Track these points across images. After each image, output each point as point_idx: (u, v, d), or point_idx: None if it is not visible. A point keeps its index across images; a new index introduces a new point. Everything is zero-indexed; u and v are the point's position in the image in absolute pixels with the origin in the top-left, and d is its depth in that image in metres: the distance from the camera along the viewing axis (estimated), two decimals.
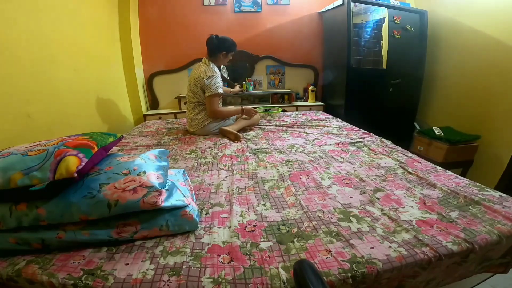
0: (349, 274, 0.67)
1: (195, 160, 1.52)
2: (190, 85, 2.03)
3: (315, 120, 2.44)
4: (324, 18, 3.09)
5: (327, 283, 0.63)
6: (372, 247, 0.75)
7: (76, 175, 0.73)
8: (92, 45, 2.19)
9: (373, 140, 1.77)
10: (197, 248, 0.77)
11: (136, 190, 0.78)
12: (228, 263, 0.71)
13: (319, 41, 3.19)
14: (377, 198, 1.03)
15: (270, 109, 2.68)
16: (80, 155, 0.78)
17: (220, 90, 1.96)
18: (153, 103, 3.07)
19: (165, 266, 0.70)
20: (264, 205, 1.01)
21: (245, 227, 0.87)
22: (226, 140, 1.91)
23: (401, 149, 1.58)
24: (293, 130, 2.12)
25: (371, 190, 1.10)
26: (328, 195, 1.07)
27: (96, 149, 0.86)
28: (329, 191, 1.10)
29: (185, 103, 2.93)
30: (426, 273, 0.74)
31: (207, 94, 1.93)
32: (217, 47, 1.95)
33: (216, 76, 1.95)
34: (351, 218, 0.91)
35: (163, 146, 1.80)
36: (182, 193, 0.89)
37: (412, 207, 0.96)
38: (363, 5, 2.58)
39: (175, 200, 0.83)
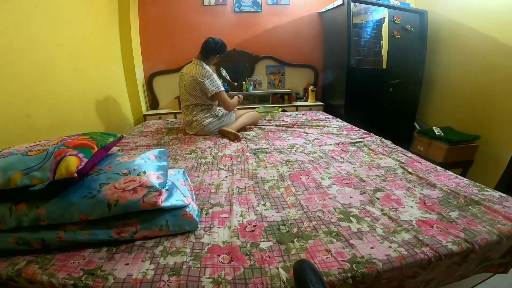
0: (349, 274, 0.67)
1: (195, 160, 1.52)
2: (186, 87, 2.02)
3: (315, 120, 2.44)
4: (324, 18, 3.09)
5: (327, 283, 0.63)
6: (372, 247, 0.75)
7: (76, 175, 0.73)
8: (92, 45, 2.19)
9: (373, 140, 1.77)
10: (197, 248, 0.77)
11: (136, 190, 0.78)
12: (228, 263, 0.71)
13: (319, 41, 3.19)
14: (377, 198, 1.03)
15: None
16: (80, 155, 0.78)
17: (222, 88, 2.04)
18: (153, 103, 3.07)
19: (165, 266, 0.70)
20: (264, 205, 1.01)
21: (245, 227, 0.87)
22: (226, 140, 1.91)
23: (401, 149, 1.58)
24: (293, 130, 2.12)
25: (371, 190, 1.10)
26: (328, 195, 1.07)
27: (96, 149, 0.86)
28: (329, 191, 1.10)
29: None
30: (426, 273, 0.74)
31: (214, 92, 1.98)
32: (213, 50, 2.02)
33: (214, 75, 2.02)
34: (351, 218, 0.91)
35: (163, 146, 1.80)
36: (182, 193, 0.89)
37: (412, 207, 0.96)
38: (363, 5, 2.58)
39: (175, 200, 0.83)
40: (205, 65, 2.03)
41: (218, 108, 2.17)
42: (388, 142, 1.70)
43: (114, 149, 1.38)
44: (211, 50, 2.02)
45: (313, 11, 3.10)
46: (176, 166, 1.41)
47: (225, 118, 2.12)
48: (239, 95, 2.30)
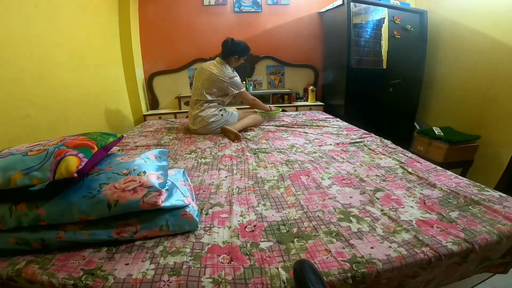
0: (349, 274, 0.66)
1: (195, 160, 1.52)
2: (203, 82, 2.04)
3: (315, 120, 2.44)
4: (324, 18, 3.09)
5: (327, 283, 0.63)
6: (372, 247, 0.75)
7: (76, 175, 0.73)
8: (92, 45, 2.19)
9: (373, 140, 1.77)
10: (197, 248, 0.77)
11: (136, 190, 0.78)
12: (228, 263, 0.71)
13: (319, 41, 3.19)
14: (377, 198, 1.03)
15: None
16: (80, 155, 0.78)
17: (243, 88, 2.17)
18: (153, 103, 3.07)
19: (165, 266, 0.70)
20: (264, 205, 1.01)
21: (245, 227, 0.87)
22: (226, 140, 1.91)
23: (401, 149, 1.58)
24: (293, 130, 2.12)
25: (371, 190, 1.10)
26: (328, 195, 1.07)
27: (96, 149, 0.86)
28: (329, 191, 1.10)
29: (185, 103, 2.94)
30: (426, 273, 0.74)
31: (236, 92, 2.10)
32: (231, 51, 2.04)
33: (237, 77, 2.10)
34: (351, 218, 0.91)
35: (163, 146, 1.80)
36: (182, 193, 0.89)
37: (412, 207, 0.96)
38: (363, 5, 2.58)
39: (175, 200, 0.83)
40: (228, 66, 2.06)
41: (225, 108, 2.19)
42: (388, 142, 1.70)
43: (114, 149, 1.38)
44: (229, 51, 2.04)
45: (313, 11, 3.10)
46: (176, 166, 1.41)
47: (229, 118, 2.13)
48: (271, 106, 2.49)
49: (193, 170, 1.37)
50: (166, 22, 2.95)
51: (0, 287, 0.69)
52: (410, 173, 1.25)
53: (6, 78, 1.35)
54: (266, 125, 2.31)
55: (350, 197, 1.05)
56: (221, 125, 2.07)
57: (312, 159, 1.47)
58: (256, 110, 2.61)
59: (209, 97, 2.05)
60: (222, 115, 2.10)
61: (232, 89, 2.06)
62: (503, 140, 2.10)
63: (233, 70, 2.13)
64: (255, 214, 0.94)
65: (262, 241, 0.80)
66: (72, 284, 0.64)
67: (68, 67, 1.86)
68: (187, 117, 2.38)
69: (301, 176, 1.25)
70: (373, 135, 1.88)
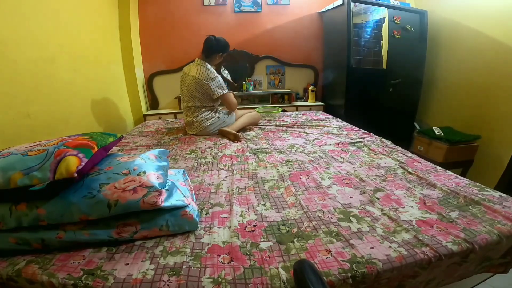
0: (349, 274, 0.67)
1: (195, 160, 1.52)
2: (188, 88, 1.99)
3: (315, 120, 2.44)
4: (324, 18, 3.09)
5: (327, 283, 0.63)
6: (372, 247, 0.75)
7: (76, 175, 0.73)
8: (92, 45, 2.19)
9: (373, 140, 1.77)
10: (197, 248, 0.77)
11: (136, 190, 0.78)
12: (228, 263, 0.71)
13: (319, 41, 3.19)
14: (377, 198, 1.03)
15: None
16: (80, 155, 0.78)
17: (226, 89, 2.05)
18: (153, 103, 3.07)
19: (165, 266, 0.70)
20: (264, 205, 1.01)
21: (245, 227, 0.87)
22: (226, 140, 1.90)
23: (401, 149, 1.58)
24: (293, 130, 2.12)
25: (371, 190, 1.10)
26: (328, 195, 1.07)
27: (96, 149, 0.86)
28: (329, 191, 1.10)
29: None
30: (426, 273, 0.74)
31: (219, 94, 1.98)
32: (215, 49, 1.98)
33: (218, 77, 2.00)
34: (351, 218, 0.91)
35: (163, 146, 1.80)
36: (182, 193, 0.89)
37: (412, 207, 0.96)
38: (363, 5, 2.58)
39: (175, 200, 0.83)
40: (209, 66, 1.99)
41: (220, 109, 2.16)
42: (388, 142, 1.70)
43: (114, 149, 1.38)
44: (214, 49, 1.97)
45: (313, 11, 3.10)
46: (176, 166, 1.41)
47: (226, 118, 2.12)
48: (231, 92, 2.34)
49: (193, 170, 1.37)
50: (166, 22, 2.95)
51: (0, 287, 0.69)
52: (410, 173, 1.25)
53: (6, 78, 1.35)
54: (266, 125, 2.31)
55: (350, 197, 1.05)
56: (219, 126, 2.05)
57: (312, 159, 1.47)
58: (256, 109, 2.61)
59: (197, 102, 1.99)
60: (218, 117, 2.07)
61: (216, 90, 1.95)
62: (503, 140, 2.10)
63: (223, 69, 2.09)
64: (255, 214, 0.94)
65: (262, 241, 0.80)
66: (72, 284, 0.64)
67: (68, 67, 1.86)
68: None
69: (301, 176, 1.25)
70: (373, 135, 1.88)
